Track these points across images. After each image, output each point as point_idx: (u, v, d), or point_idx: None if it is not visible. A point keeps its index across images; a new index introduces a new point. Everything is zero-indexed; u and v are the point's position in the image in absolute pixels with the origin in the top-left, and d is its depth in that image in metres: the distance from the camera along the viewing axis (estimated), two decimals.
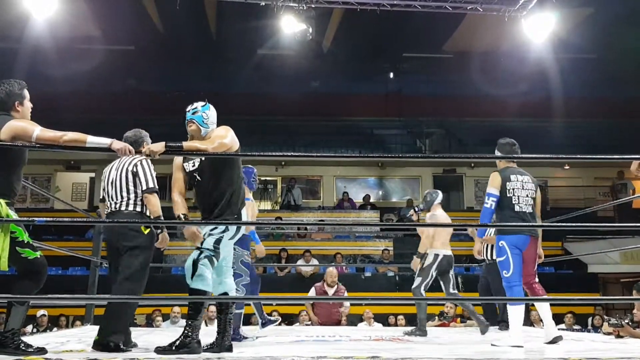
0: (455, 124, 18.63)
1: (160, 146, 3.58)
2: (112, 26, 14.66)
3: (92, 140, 3.53)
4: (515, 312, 4.66)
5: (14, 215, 3.54)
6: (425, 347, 4.73)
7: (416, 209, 6.87)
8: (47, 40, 12.82)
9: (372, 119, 18.60)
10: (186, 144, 3.72)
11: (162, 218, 4.15)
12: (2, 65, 13.76)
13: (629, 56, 15.26)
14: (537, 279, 4.91)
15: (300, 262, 12.19)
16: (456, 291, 6.59)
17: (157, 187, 4.25)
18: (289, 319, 10.41)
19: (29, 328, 9.38)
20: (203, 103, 4.16)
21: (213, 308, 9.25)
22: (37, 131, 3.53)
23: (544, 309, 4.82)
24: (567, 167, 18.03)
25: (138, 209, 4.17)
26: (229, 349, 3.88)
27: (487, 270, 7.25)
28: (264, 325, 5.91)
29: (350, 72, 17.64)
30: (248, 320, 8.37)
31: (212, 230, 3.95)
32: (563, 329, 9.32)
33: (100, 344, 3.82)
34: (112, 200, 4.18)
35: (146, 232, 4.08)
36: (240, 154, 4.27)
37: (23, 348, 3.50)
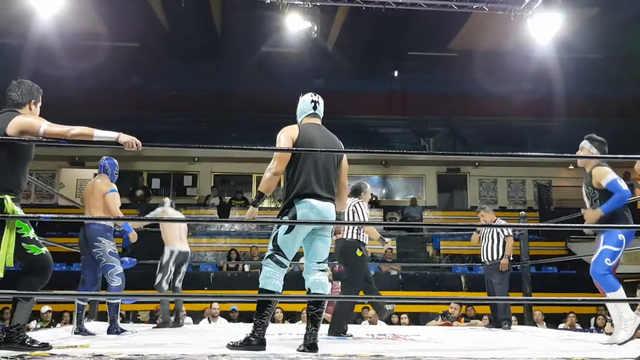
0: (460, 122, 18.62)
1: None
2: (118, 23, 14.66)
3: (99, 134, 3.58)
4: (618, 296, 4.54)
5: (20, 212, 3.56)
6: (427, 345, 4.73)
7: None
8: (53, 36, 12.82)
9: (377, 117, 18.60)
10: None
11: None
12: (7, 61, 13.80)
13: (635, 56, 15.21)
14: None
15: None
16: (180, 285, 6.78)
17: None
18: (291, 317, 10.43)
19: (33, 324, 9.42)
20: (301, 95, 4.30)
21: (216, 305, 9.29)
22: (45, 126, 3.57)
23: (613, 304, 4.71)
24: (571, 167, 17.99)
25: None
26: (311, 347, 3.79)
27: (488, 271, 7.26)
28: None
29: (354, 71, 17.63)
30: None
31: (275, 228, 4.00)
32: (565, 329, 9.33)
33: None
34: None
35: None
36: (239, 147, 4.28)
37: (28, 343, 3.52)
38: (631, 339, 4.53)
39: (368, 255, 6.23)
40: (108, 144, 3.67)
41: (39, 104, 3.86)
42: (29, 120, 3.63)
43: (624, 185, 4.63)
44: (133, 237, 5.78)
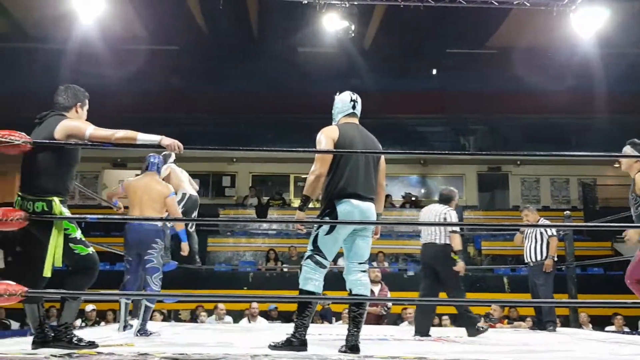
0: (500, 120, 18.32)
1: None
2: (157, 27, 14.85)
3: (142, 137, 3.63)
4: None
5: (67, 213, 3.62)
6: (469, 347, 4.66)
7: None
8: (94, 40, 13.04)
9: (415, 116, 18.42)
10: None
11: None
12: (49, 66, 14.09)
13: None
14: None
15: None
16: (193, 231, 6.86)
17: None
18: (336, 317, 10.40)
19: (78, 322, 9.60)
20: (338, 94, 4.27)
21: (255, 305, 9.33)
22: (90, 130, 3.64)
23: None
24: (616, 165, 17.51)
25: None
26: (353, 348, 3.78)
27: (531, 272, 7.12)
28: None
29: (392, 70, 17.49)
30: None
31: (315, 229, 3.97)
32: (612, 331, 9.12)
33: None
34: None
35: None
36: (272, 149, 4.27)
37: (75, 342, 3.57)
38: None
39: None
40: (151, 147, 3.72)
41: (86, 107, 3.93)
42: (76, 124, 3.70)
43: None
44: (185, 247, 5.78)
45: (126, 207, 5.78)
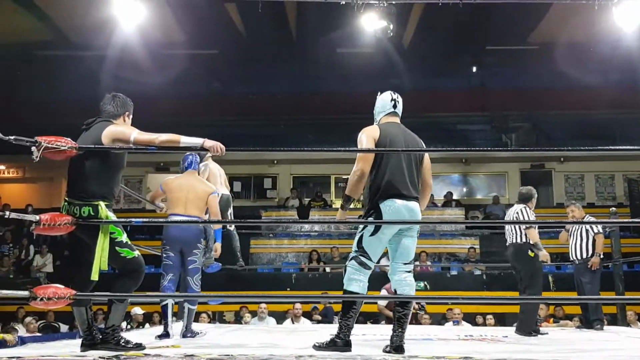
0: (542, 117, 18.02)
1: None
2: (197, 31, 15.02)
3: (186, 140, 3.69)
4: None
5: (113, 217, 3.71)
6: (515, 347, 4.61)
7: None
8: (134, 46, 13.25)
9: (456, 114, 18.26)
10: None
11: None
12: (91, 73, 14.40)
13: None
14: None
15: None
16: (233, 229, 7.01)
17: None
18: (373, 317, 10.39)
19: (124, 324, 9.78)
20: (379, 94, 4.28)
21: (299, 306, 9.38)
22: (135, 134, 3.72)
23: None
24: None
25: None
26: (398, 349, 3.79)
27: (577, 270, 7.00)
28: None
29: (432, 68, 17.37)
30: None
31: (360, 230, 3.97)
32: None
33: None
34: None
35: None
36: (312, 149, 4.28)
37: (123, 344, 3.65)
38: None
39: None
40: (194, 150, 3.78)
41: (131, 116, 4.03)
42: (121, 129, 3.79)
43: None
44: (217, 247, 5.70)
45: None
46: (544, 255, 6.04)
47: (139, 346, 3.69)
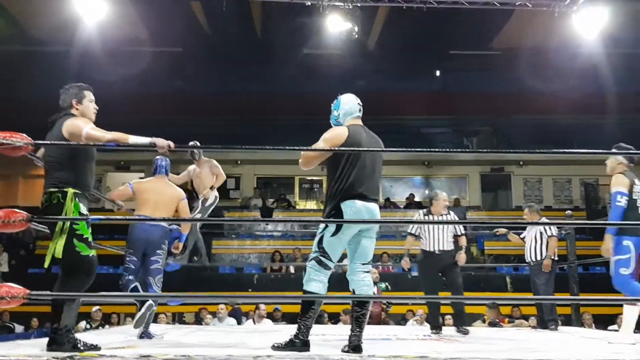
0: (504, 122, 18.35)
1: None
2: (161, 29, 14.88)
3: (134, 139, 3.70)
4: (631, 312, 4.82)
5: (83, 207, 3.67)
6: (471, 346, 4.68)
7: None
8: (97, 43, 13.09)
9: (419, 117, 18.44)
10: None
11: None
12: (54, 68, 14.13)
13: None
14: None
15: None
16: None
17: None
18: (335, 318, 10.42)
19: (83, 324, 9.60)
20: (336, 100, 4.30)
21: (263, 307, 9.35)
22: (87, 129, 3.73)
23: (628, 310, 4.89)
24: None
25: None
26: (356, 349, 3.79)
27: (532, 271, 7.15)
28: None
29: (396, 71, 17.51)
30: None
31: (320, 230, 3.97)
32: (615, 331, 9.09)
33: None
34: None
35: None
36: (282, 147, 4.29)
37: (79, 346, 3.57)
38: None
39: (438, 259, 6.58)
40: (145, 149, 3.76)
41: (87, 99, 3.96)
42: (76, 123, 3.77)
43: (624, 200, 4.79)
44: (179, 247, 5.62)
45: (132, 210, 5.74)
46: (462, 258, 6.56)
47: (95, 347, 3.62)
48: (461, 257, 6.50)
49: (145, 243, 5.10)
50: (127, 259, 5.13)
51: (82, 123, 3.77)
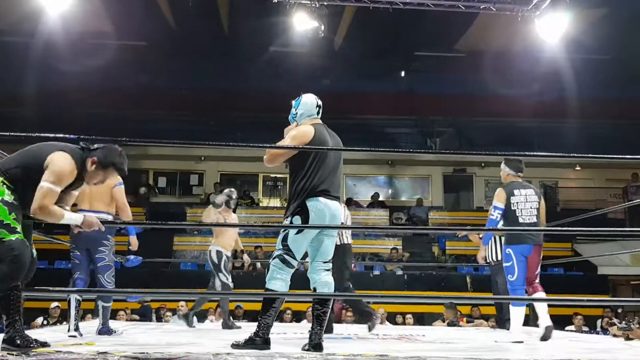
0: (467, 123, 18.58)
1: None
2: (125, 22, 14.65)
3: (68, 217, 3.61)
4: (517, 312, 5.19)
5: (8, 195, 3.50)
6: (431, 346, 4.73)
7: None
8: (60, 35, 12.82)
9: (383, 117, 18.56)
10: None
11: None
12: (15, 60, 13.82)
13: None
14: (538, 280, 5.36)
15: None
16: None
17: None
18: (297, 317, 10.43)
19: (39, 320, 9.41)
20: (297, 98, 4.30)
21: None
22: (51, 185, 3.51)
23: (541, 306, 5.34)
24: (578, 168, 17.93)
25: None
26: (316, 347, 3.79)
27: (492, 271, 7.26)
28: None
29: (361, 70, 17.57)
30: None
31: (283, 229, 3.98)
32: (572, 331, 9.30)
33: None
34: None
35: None
36: (246, 145, 4.28)
37: (31, 344, 3.45)
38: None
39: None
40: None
41: (106, 174, 3.79)
42: (57, 168, 3.54)
43: (497, 213, 5.22)
44: (134, 243, 5.49)
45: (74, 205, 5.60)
46: None
47: (44, 344, 3.52)
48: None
49: (86, 240, 4.94)
50: (71, 254, 5.05)
51: (57, 175, 3.53)
